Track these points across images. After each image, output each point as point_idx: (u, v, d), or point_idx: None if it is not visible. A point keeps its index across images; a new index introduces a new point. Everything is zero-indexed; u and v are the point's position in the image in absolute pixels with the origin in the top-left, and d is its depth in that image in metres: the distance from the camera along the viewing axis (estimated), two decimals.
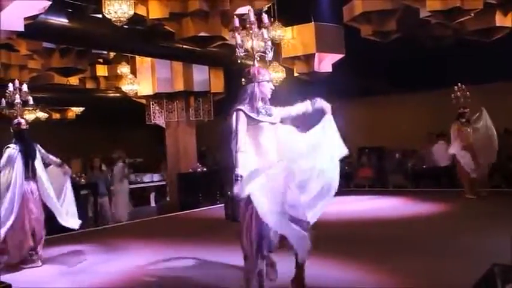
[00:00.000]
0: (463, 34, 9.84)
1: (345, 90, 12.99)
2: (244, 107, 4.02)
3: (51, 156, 6.54)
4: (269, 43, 4.17)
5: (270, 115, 4.10)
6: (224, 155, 4.30)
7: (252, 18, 4.14)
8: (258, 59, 4.18)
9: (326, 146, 4.34)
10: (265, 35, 4.15)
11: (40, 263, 6.19)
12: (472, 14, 8.33)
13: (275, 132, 4.15)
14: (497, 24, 9.09)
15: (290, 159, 4.18)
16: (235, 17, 4.38)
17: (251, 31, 4.13)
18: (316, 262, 4.67)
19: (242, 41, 4.15)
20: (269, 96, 4.15)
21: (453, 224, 7.51)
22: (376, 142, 14.76)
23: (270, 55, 4.19)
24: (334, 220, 8.23)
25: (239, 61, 4.22)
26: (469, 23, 9.11)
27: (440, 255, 5.44)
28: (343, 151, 4.43)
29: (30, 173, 6.22)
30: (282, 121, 4.31)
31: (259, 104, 4.07)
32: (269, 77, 4.17)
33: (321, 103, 4.42)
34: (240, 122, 3.97)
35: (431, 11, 8.26)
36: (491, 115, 9.71)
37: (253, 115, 4.02)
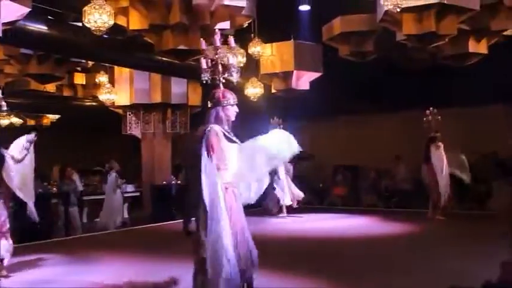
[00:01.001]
0: (439, 58, 10.06)
1: (321, 108, 13.16)
2: (219, 128, 4.05)
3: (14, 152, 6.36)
4: (234, 67, 4.24)
5: (236, 137, 4.15)
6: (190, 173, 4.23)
7: (218, 43, 4.19)
8: (223, 81, 4.25)
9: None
10: (231, 60, 4.21)
11: (5, 273, 5.99)
12: (447, 40, 8.55)
13: None
14: (471, 50, 9.35)
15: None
16: (201, 40, 4.42)
17: (216, 56, 4.18)
18: (283, 278, 4.70)
19: (207, 65, 4.22)
20: (233, 119, 4.20)
21: (421, 244, 7.59)
22: (351, 161, 14.91)
23: (234, 78, 4.25)
24: (304, 237, 8.34)
25: (204, 82, 4.27)
26: (444, 47, 9.34)
27: (404, 273, 5.49)
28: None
29: None
30: None
31: (225, 127, 4.12)
32: (233, 101, 4.19)
33: None
34: (221, 139, 4.01)
35: (407, 34, 8.45)
36: (466, 139, 9.91)
37: (230, 136, 4.08)
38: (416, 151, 10.88)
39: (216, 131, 4.01)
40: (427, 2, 7.74)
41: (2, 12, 6.07)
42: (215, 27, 8.43)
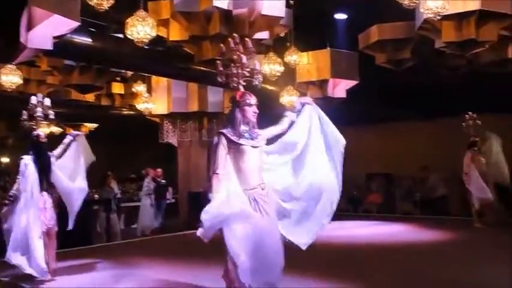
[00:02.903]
0: (477, 64, 9.98)
1: (356, 116, 13.14)
2: (227, 131, 4.05)
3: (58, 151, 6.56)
4: (254, 69, 4.26)
5: (253, 139, 4.09)
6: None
7: (232, 45, 4.20)
8: (244, 84, 4.26)
9: (314, 147, 4.34)
10: (244, 60, 4.19)
11: (49, 277, 6.12)
12: (487, 46, 8.49)
13: (259, 156, 4.14)
14: (510, 56, 9.25)
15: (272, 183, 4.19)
16: (221, 45, 4.39)
17: (235, 58, 4.20)
18: (319, 284, 4.71)
19: (223, 68, 4.23)
20: (253, 120, 4.13)
21: (458, 252, 7.50)
22: (385, 168, 14.82)
23: (256, 80, 4.27)
24: (339, 244, 8.34)
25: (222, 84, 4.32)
26: (483, 54, 9.26)
27: (437, 284, 5.46)
28: (341, 142, 4.45)
29: (44, 185, 6.23)
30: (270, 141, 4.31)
31: (242, 128, 4.06)
32: (251, 101, 4.12)
33: (302, 102, 4.47)
34: (220, 145, 3.99)
35: (446, 42, 8.42)
36: (505, 144, 9.75)
37: (234, 138, 4.02)
38: (451, 158, 10.79)
39: (219, 138, 4.02)
40: (467, 9, 7.72)
41: (53, 26, 6.30)
42: (253, 37, 8.59)
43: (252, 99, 4.14)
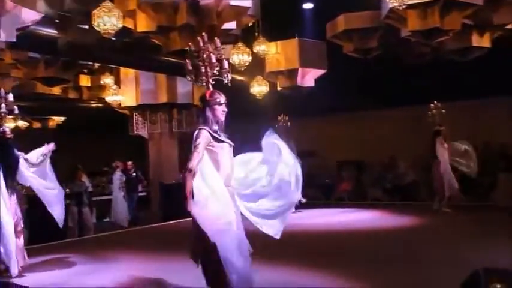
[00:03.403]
0: (442, 52, 10.17)
1: (324, 105, 13.25)
2: (207, 128, 4.05)
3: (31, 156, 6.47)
4: (223, 66, 4.26)
5: (227, 138, 4.16)
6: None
7: (201, 44, 4.21)
8: (213, 83, 4.27)
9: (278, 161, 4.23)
10: (213, 60, 4.19)
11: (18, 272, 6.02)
12: (451, 34, 8.67)
13: (231, 155, 4.18)
14: (474, 44, 9.47)
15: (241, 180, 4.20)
16: (189, 44, 4.40)
17: (203, 56, 4.20)
18: (293, 271, 4.78)
19: (192, 66, 4.25)
20: (222, 119, 4.15)
21: (429, 236, 7.70)
22: (355, 156, 15.01)
23: (225, 79, 4.27)
24: (311, 231, 8.48)
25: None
26: (447, 42, 9.45)
27: (413, 265, 5.60)
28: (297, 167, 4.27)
29: (9, 182, 6.10)
30: None
31: (215, 128, 4.09)
32: (221, 100, 4.14)
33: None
34: (203, 142, 3.96)
35: (412, 30, 8.56)
36: (470, 132, 9.98)
37: (216, 136, 4.05)
38: (419, 145, 11.01)
39: (201, 132, 3.99)
40: None
41: (16, 19, 6.18)
42: (222, 27, 8.58)
43: (222, 98, 4.16)
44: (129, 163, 13.04)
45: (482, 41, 9.48)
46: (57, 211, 6.52)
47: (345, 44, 10.52)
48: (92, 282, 5.74)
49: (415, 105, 12.28)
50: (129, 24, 8.63)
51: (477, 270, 2.63)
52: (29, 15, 6.39)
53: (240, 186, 4.17)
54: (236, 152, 4.28)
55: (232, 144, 4.18)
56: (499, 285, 2.42)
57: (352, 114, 15.11)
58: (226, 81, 4.27)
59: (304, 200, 10.73)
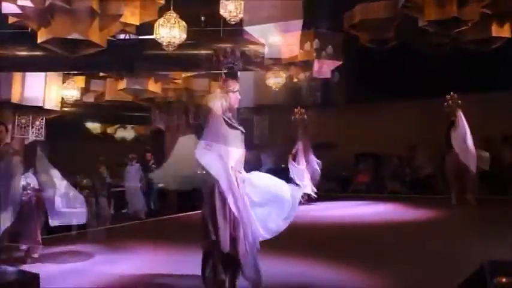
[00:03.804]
0: (461, 43, 9.99)
1: (343, 96, 13.16)
2: (222, 115, 4.14)
3: None
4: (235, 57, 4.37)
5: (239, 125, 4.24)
6: None
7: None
8: (226, 71, 4.39)
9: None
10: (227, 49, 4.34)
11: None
12: (469, 24, 8.50)
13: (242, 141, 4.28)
14: (494, 34, 9.27)
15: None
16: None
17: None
18: (307, 264, 4.78)
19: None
20: (235, 107, 4.32)
21: (442, 230, 7.63)
22: (372, 148, 14.87)
23: (235, 68, 4.39)
24: (326, 224, 8.45)
25: None
26: (466, 32, 9.27)
27: (427, 259, 5.55)
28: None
29: None
30: None
31: (228, 114, 4.22)
32: (234, 88, 4.30)
33: None
34: (222, 124, 4.08)
35: (429, 20, 8.41)
36: (488, 124, 9.83)
37: (231, 122, 4.17)
38: (436, 137, 10.88)
39: (216, 117, 4.08)
40: None
41: None
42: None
43: (235, 85, 4.32)
44: (148, 154, 13.13)
45: (502, 31, 9.27)
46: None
47: (361, 34, 10.38)
48: (103, 272, 5.76)
49: (434, 97, 12.11)
50: None
51: (483, 263, 2.60)
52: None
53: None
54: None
55: (244, 131, 4.25)
56: (504, 278, 2.39)
57: (368, 107, 14.97)
58: (236, 70, 4.41)
59: (315, 196, 10.70)
